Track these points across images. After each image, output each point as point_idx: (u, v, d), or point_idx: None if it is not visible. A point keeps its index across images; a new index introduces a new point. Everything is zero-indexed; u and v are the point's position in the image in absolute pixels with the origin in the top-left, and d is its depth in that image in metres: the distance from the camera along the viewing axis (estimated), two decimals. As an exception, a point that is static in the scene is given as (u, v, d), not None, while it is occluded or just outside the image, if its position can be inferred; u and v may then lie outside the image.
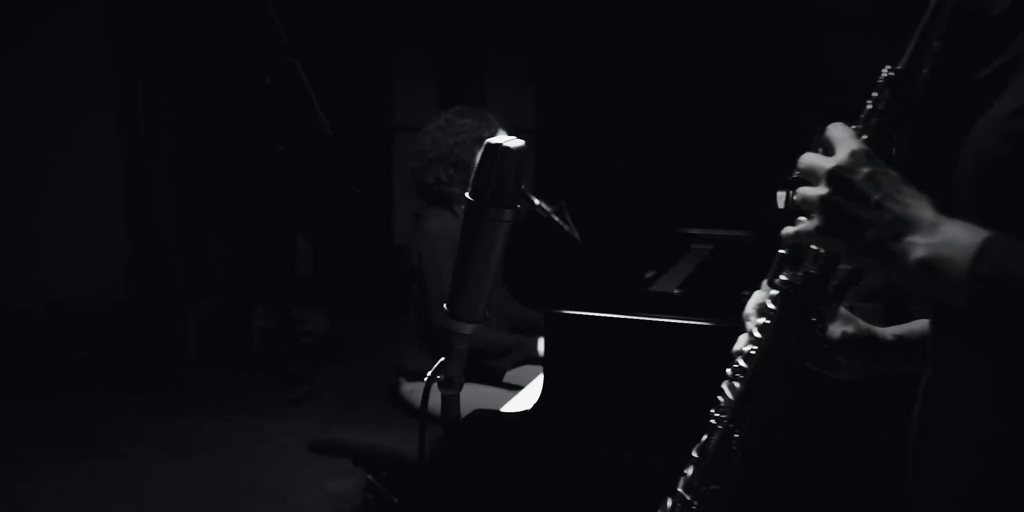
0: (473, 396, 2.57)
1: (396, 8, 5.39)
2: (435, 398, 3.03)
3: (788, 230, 0.78)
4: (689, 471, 0.93)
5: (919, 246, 0.67)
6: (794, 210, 1.49)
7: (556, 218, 2.62)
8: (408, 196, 6.04)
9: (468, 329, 0.97)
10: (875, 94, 0.78)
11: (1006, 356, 0.69)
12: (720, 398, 0.90)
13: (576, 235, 2.64)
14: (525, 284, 3.43)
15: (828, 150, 0.74)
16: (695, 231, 3.15)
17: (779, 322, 0.84)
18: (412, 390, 2.64)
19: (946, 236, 0.67)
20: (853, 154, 0.71)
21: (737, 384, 0.88)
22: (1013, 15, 0.74)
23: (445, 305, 0.97)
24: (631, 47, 5.10)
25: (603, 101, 5.26)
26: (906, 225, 0.69)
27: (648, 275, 2.60)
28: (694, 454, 0.92)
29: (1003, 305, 0.63)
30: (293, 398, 4.03)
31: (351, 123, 5.17)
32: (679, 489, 0.93)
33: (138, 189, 4.69)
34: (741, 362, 0.88)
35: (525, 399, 2.08)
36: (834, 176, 0.71)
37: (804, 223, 0.75)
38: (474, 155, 2.54)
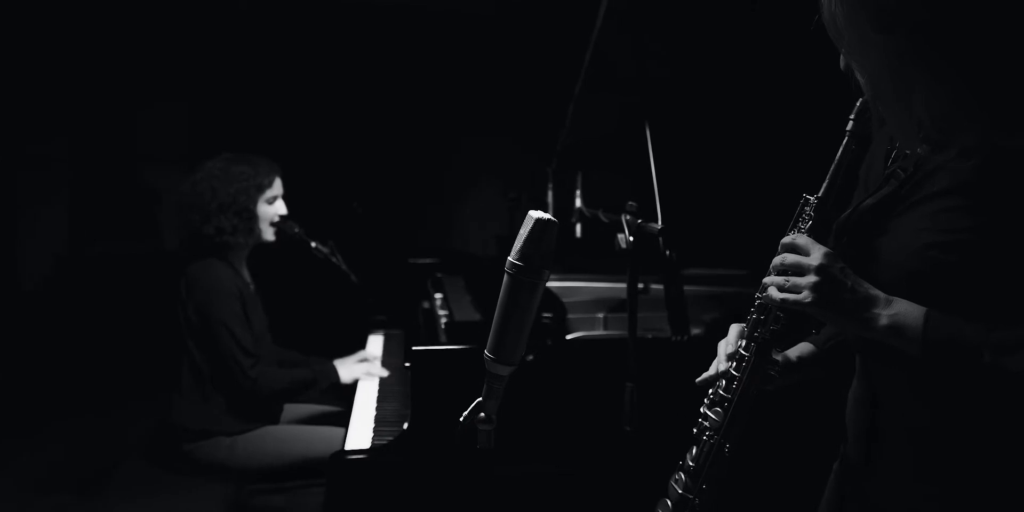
0: (270, 440, 2.53)
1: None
2: (203, 451, 2.84)
3: (775, 295, 1.11)
4: (682, 476, 1.23)
5: (883, 316, 1.05)
6: (633, 252, 1.89)
7: (333, 259, 2.71)
8: (35, 238, 5.38)
9: (506, 371, 1.13)
10: (807, 213, 1.16)
11: (930, 377, 1.07)
12: (702, 420, 1.23)
13: (351, 274, 2.75)
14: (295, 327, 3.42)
15: (801, 251, 1.10)
16: (427, 261, 3.42)
17: (755, 363, 1.20)
18: (193, 448, 2.51)
19: (899, 308, 1.04)
20: (827, 255, 1.08)
21: (720, 409, 1.22)
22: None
23: (487, 351, 1.12)
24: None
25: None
26: (871, 301, 1.06)
27: (425, 306, 2.81)
28: (689, 463, 1.23)
29: (946, 354, 1.02)
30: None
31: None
32: (679, 491, 1.23)
33: None
34: (721, 392, 1.22)
35: (362, 434, 2.16)
36: (821, 270, 1.07)
37: (796, 295, 1.08)
38: (255, 201, 2.54)
